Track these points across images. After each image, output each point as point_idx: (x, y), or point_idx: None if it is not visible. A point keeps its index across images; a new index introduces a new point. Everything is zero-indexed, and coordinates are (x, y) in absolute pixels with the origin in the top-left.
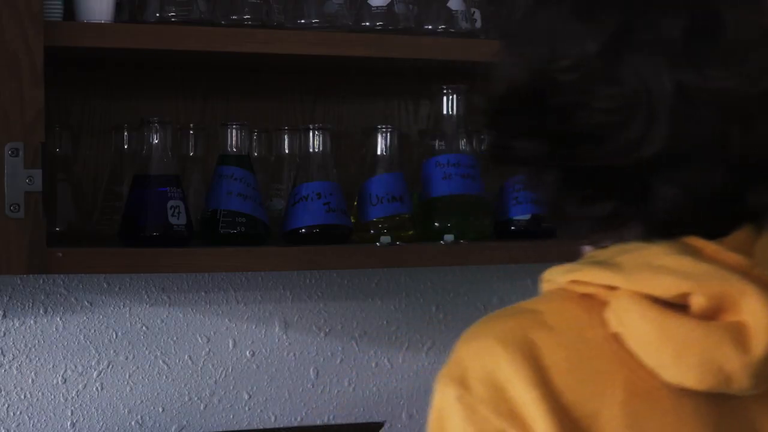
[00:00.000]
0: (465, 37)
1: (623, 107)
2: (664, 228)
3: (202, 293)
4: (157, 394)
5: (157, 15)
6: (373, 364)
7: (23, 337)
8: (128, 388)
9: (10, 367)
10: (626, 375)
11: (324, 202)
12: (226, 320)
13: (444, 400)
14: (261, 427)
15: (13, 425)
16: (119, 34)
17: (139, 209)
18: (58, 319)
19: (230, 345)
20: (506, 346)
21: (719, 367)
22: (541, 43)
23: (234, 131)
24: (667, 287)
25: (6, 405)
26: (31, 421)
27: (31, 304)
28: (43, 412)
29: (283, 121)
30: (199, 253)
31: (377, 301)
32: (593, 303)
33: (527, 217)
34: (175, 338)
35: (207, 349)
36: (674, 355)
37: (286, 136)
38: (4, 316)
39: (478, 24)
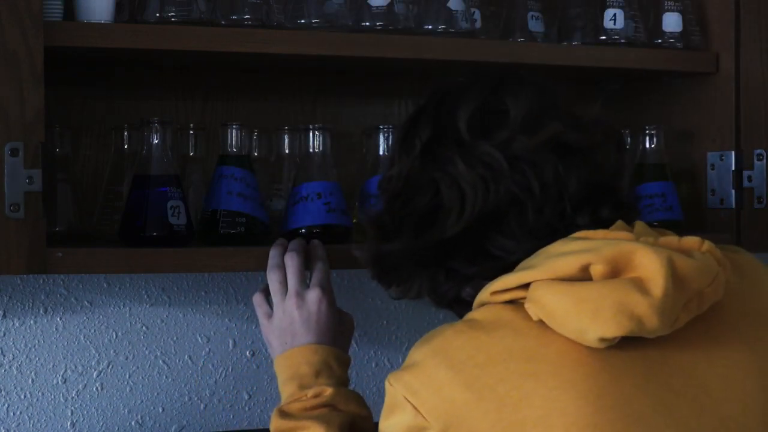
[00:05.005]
0: (465, 37)
1: (437, 192)
2: (507, 269)
3: (202, 293)
4: (157, 394)
5: (157, 15)
6: (373, 364)
7: (23, 337)
8: (128, 388)
9: (10, 367)
10: (554, 351)
11: (324, 202)
12: (226, 320)
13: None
14: (261, 427)
15: (13, 425)
16: (119, 34)
17: (139, 209)
18: (58, 319)
19: (230, 345)
20: (447, 362)
21: (631, 312)
22: (386, 180)
23: (234, 131)
24: (570, 265)
25: (6, 405)
26: (31, 421)
27: (31, 304)
28: (43, 412)
29: (283, 121)
30: (199, 253)
31: (377, 301)
32: (515, 306)
33: None
34: (175, 338)
35: (207, 349)
36: (592, 313)
37: (286, 136)
38: (4, 316)
39: (478, 24)
